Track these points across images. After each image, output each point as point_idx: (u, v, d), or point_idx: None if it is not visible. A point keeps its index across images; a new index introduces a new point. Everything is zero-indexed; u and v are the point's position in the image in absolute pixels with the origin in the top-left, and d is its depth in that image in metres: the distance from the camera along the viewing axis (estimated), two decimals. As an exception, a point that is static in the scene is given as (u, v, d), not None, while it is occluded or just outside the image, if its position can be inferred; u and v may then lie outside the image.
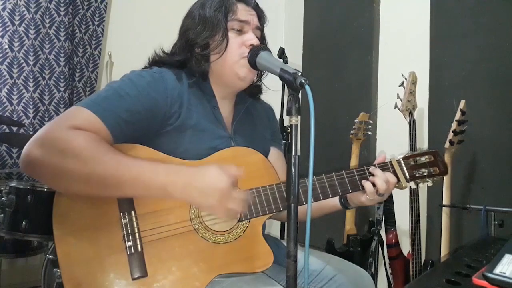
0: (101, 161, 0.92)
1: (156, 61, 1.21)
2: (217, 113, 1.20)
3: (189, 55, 1.17)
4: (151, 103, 1.06)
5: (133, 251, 0.98)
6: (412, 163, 1.23)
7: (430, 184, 1.25)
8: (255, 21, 1.20)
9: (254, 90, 1.31)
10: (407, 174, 1.21)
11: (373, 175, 1.17)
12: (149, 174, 0.95)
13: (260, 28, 1.22)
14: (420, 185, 1.25)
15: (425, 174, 1.23)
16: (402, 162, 1.22)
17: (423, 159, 1.24)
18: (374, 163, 1.21)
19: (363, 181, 1.16)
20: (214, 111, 1.19)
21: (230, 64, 1.15)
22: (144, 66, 1.21)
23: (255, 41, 1.16)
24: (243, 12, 1.17)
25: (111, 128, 0.98)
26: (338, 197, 1.25)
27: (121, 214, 1.00)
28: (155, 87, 1.08)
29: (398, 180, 1.20)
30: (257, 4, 1.23)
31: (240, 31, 1.17)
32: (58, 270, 1.64)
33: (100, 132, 0.97)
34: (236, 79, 1.17)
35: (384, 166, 1.20)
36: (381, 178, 1.15)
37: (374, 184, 1.15)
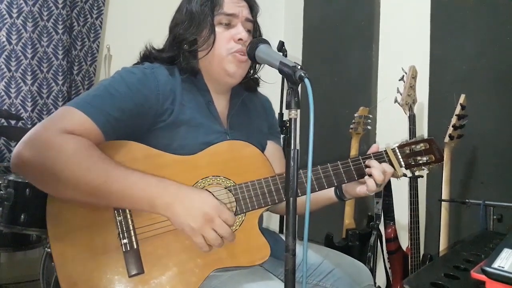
0: (90, 170, 0.92)
1: (147, 57, 1.19)
2: (211, 108, 1.18)
3: (177, 52, 1.15)
4: (141, 100, 1.04)
5: (128, 248, 0.98)
6: (407, 151, 1.21)
7: (426, 171, 1.25)
8: (245, 13, 1.16)
9: (250, 83, 1.28)
10: (402, 163, 1.20)
11: (369, 166, 1.15)
12: (137, 187, 0.95)
13: (252, 20, 1.18)
14: (417, 173, 1.24)
15: (420, 162, 1.22)
16: (397, 150, 1.20)
17: (419, 147, 1.23)
18: (368, 153, 1.19)
19: (366, 178, 1.14)
20: (209, 106, 1.18)
21: (218, 60, 1.13)
22: (136, 62, 1.19)
23: (244, 35, 1.13)
24: (230, 4, 1.14)
25: (102, 127, 0.98)
26: (333, 189, 1.23)
27: (115, 211, 0.99)
28: (146, 84, 1.06)
29: (394, 169, 1.18)
30: None
31: (229, 25, 1.14)
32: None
33: (90, 132, 0.96)
34: (225, 75, 1.15)
35: (379, 156, 1.18)
36: (378, 169, 1.13)
37: (370, 175, 1.13)
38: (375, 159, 1.16)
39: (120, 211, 1.00)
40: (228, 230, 1.00)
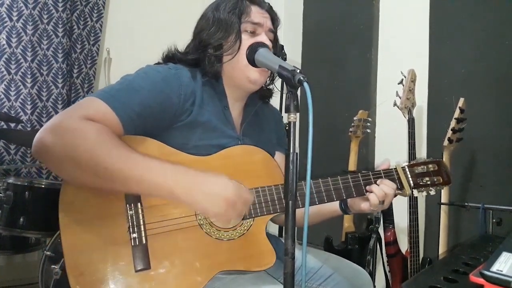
0: (111, 155, 0.93)
1: (170, 58, 1.22)
2: (227, 113, 1.21)
3: (202, 56, 1.18)
4: (164, 98, 1.06)
5: (137, 243, 0.99)
6: (416, 171, 1.23)
7: (433, 193, 1.25)
8: (269, 24, 1.20)
9: (265, 93, 1.31)
10: (411, 182, 1.21)
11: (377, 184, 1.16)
12: (156, 173, 0.96)
13: (273, 31, 1.23)
14: (423, 193, 1.25)
15: (428, 183, 1.23)
16: (407, 169, 1.22)
17: (427, 167, 1.24)
18: (379, 169, 1.21)
19: (368, 194, 1.16)
20: (225, 111, 1.20)
21: (242, 66, 1.16)
22: (157, 62, 1.22)
23: (268, 43, 1.16)
24: (256, 14, 1.18)
25: (123, 120, 0.99)
26: (338, 202, 1.25)
27: (127, 205, 1.01)
28: (170, 83, 1.09)
29: (403, 187, 1.20)
30: (271, 7, 1.24)
31: (253, 33, 1.18)
32: (56, 267, 1.64)
33: (111, 124, 0.98)
34: (247, 82, 1.18)
35: (389, 173, 1.20)
36: (379, 188, 1.15)
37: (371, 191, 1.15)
38: (385, 175, 1.19)
39: (132, 205, 1.01)
40: (249, 206, 1.04)
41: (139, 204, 1.01)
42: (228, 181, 1.00)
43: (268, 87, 1.31)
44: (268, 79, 1.28)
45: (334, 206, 1.26)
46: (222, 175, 1.02)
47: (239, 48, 1.15)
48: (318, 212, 1.27)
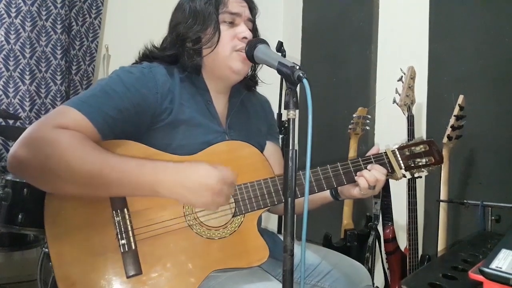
0: (86, 161, 0.91)
1: (147, 56, 1.19)
2: (211, 107, 1.18)
3: (181, 50, 1.15)
4: (139, 99, 1.04)
5: (127, 249, 0.98)
6: (407, 153, 1.21)
7: (425, 173, 1.24)
8: (247, 13, 1.18)
9: (249, 83, 1.29)
10: (402, 165, 1.20)
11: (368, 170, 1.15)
12: (136, 173, 0.95)
13: (252, 20, 1.20)
14: (416, 175, 1.24)
15: (420, 164, 1.21)
16: (397, 152, 1.20)
17: (418, 148, 1.22)
18: (368, 155, 1.19)
19: (357, 177, 1.14)
20: (208, 106, 1.18)
21: (223, 57, 1.14)
22: (134, 61, 1.19)
23: (248, 34, 1.14)
24: (234, 4, 1.15)
25: (98, 126, 0.97)
26: None
27: (114, 212, 0.99)
28: (145, 83, 1.06)
29: (393, 171, 1.18)
30: None
31: (232, 24, 1.15)
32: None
33: (86, 130, 0.95)
34: (230, 72, 1.16)
35: (379, 157, 1.18)
36: (369, 174, 1.13)
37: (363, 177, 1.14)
38: (375, 160, 1.17)
39: (119, 211, 0.99)
40: (234, 186, 1.05)
41: (125, 209, 1.00)
42: (209, 169, 0.99)
43: (251, 76, 1.28)
44: (250, 69, 1.25)
45: (325, 193, 1.24)
46: (202, 163, 1.01)
47: (218, 40, 1.13)
48: (310, 200, 1.26)
